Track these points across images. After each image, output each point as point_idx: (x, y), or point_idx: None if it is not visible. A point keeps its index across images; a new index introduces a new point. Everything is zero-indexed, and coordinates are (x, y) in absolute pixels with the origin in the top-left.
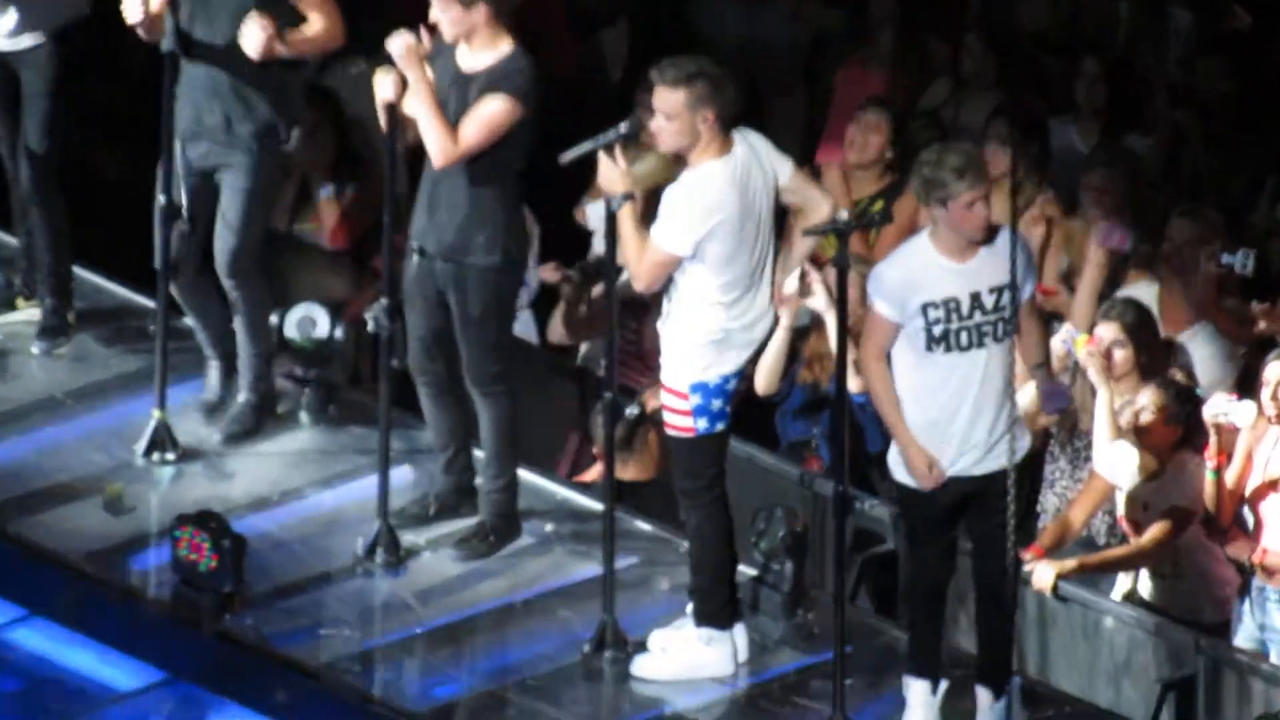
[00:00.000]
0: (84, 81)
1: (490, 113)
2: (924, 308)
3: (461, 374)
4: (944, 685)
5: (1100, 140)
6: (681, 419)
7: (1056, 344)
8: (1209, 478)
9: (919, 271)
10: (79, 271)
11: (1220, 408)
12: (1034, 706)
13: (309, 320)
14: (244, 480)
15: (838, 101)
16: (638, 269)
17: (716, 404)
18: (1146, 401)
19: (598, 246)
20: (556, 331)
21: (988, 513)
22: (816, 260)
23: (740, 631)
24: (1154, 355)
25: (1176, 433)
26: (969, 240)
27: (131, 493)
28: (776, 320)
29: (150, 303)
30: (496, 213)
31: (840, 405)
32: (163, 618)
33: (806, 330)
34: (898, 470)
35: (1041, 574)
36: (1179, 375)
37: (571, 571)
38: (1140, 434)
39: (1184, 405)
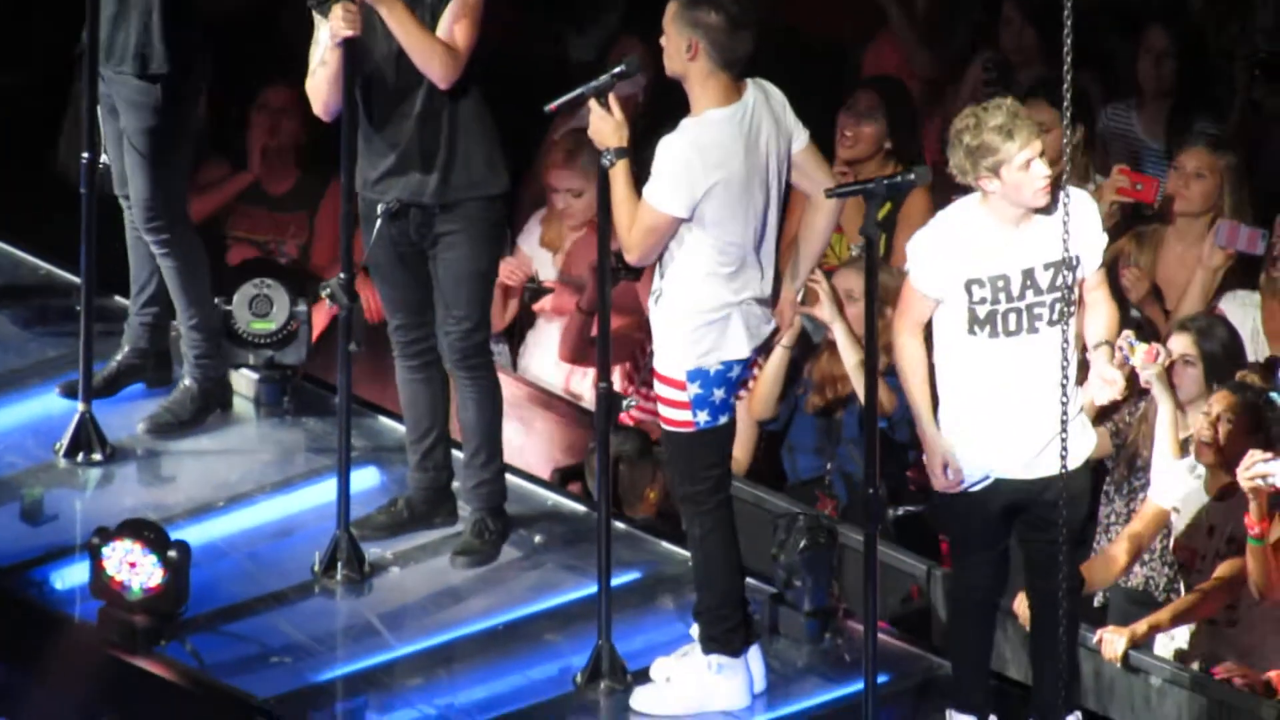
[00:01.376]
0: None
1: (472, 2)
2: (968, 285)
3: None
4: None
5: (1167, 128)
6: (678, 412)
7: (1113, 352)
8: (1250, 544)
9: (965, 241)
10: None
11: (1259, 468)
12: None
13: (263, 298)
14: (183, 484)
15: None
16: (628, 237)
17: (719, 394)
18: (1220, 409)
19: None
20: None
21: (1041, 525)
22: (823, 267)
23: (756, 658)
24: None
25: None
26: (1032, 206)
27: (51, 498)
28: (775, 331)
29: (74, 278)
30: (487, 133)
31: (871, 396)
32: (88, 645)
33: (814, 349)
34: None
35: (1111, 644)
36: (1253, 378)
37: (562, 589)
38: (1211, 448)
39: (1261, 411)
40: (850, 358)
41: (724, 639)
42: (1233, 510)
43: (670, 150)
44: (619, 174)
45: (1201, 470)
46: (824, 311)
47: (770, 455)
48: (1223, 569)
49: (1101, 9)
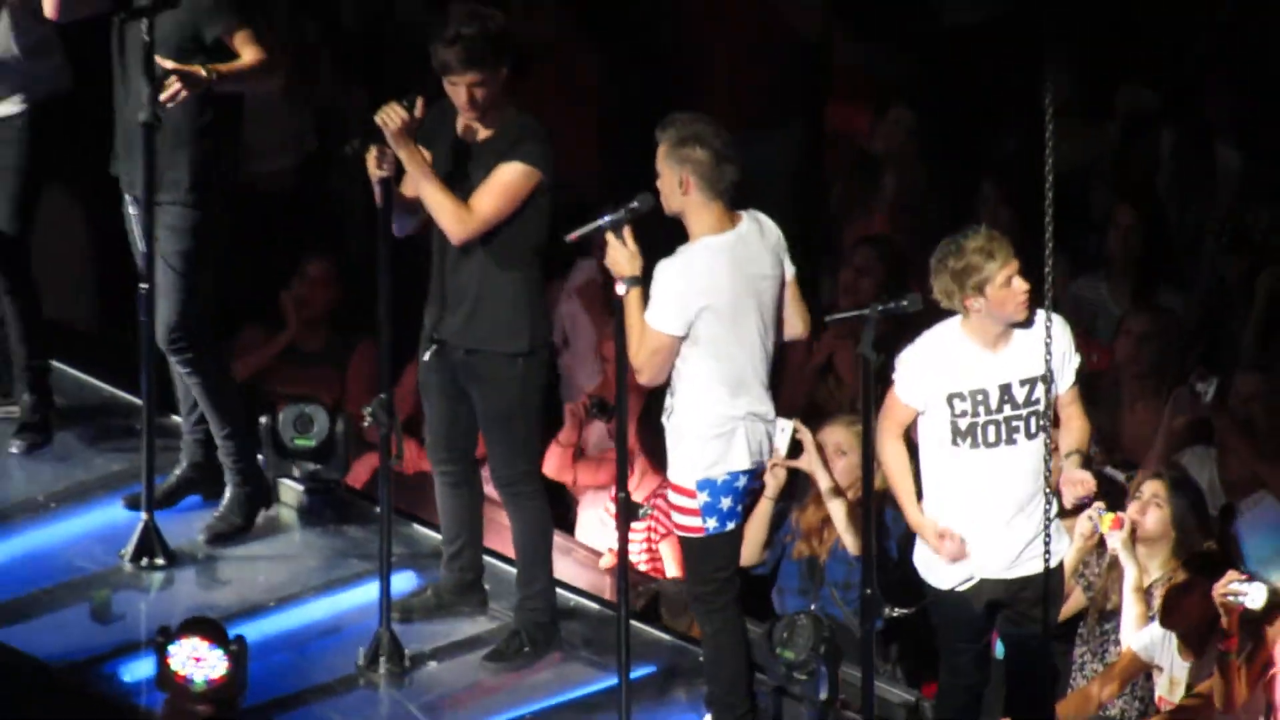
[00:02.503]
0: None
1: (507, 180)
2: (950, 399)
3: (477, 465)
4: None
5: (1133, 297)
6: (690, 519)
7: (1083, 521)
8: (1219, 657)
9: (946, 358)
10: (58, 366)
11: (1231, 587)
12: None
13: (305, 418)
14: (237, 586)
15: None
16: (638, 359)
17: (726, 502)
18: (1180, 578)
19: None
20: (552, 467)
21: (1020, 619)
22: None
23: None
24: (1199, 534)
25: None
26: (1013, 320)
27: (118, 599)
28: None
29: (135, 399)
30: (518, 297)
31: (867, 503)
32: None
33: (801, 500)
34: (926, 572)
35: None
36: (1213, 546)
37: (584, 681)
38: (1171, 611)
39: (1215, 578)
40: (835, 508)
41: None
42: (1203, 669)
43: (665, 275)
44: (633, 301)
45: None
46: (809, 460)
47: (761, 596)
48: (1199, 688)
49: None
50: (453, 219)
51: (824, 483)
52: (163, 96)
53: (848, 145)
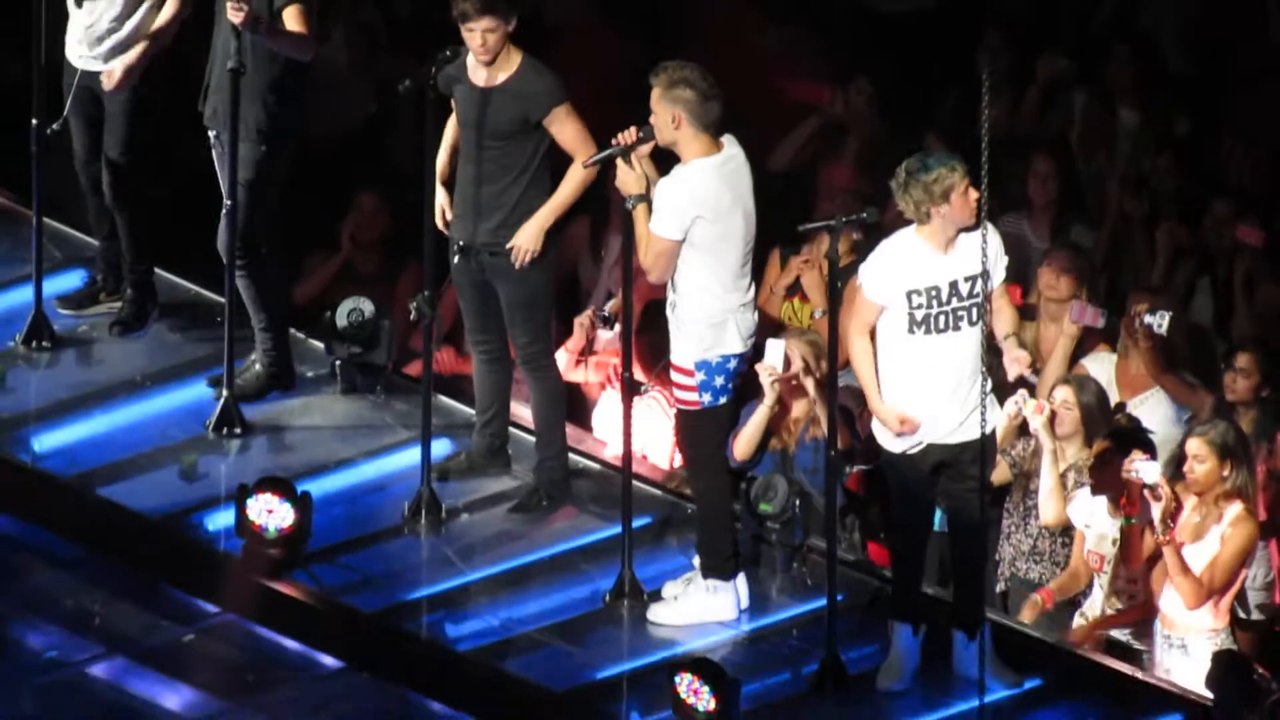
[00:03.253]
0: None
1: (575, 124)
2: (908, 294)
3: (507, 345)
4: (924, 629)
5: (1051, 233)
6: (688, 394)
7: (1010, 405)
8: (1120, 522)
9: (905, 261)
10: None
11: (1134, 465)
12: (1003, 646)
13: (357, 310)
14: (302, 451)
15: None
16: (646, 261)
17: (719, 380)
18: (1098, 452)
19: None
20: (561, 367)
21: (959, 477)
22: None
23: (742, 581)
24: (1102, 424)
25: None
26: (967, 224)
27: (203, 462)
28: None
29: (218, 297)
30: (533, 205)
31: (832, 376)
32: (237, 572)
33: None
34: (882, 437)
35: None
36: (1123, 419)
37: (592, 530)
38: (1098, 478)
39: (1136, 445)
40: (810, 405)
41: (719, 567)
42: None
43: (665, 190)
44: (640, 215)
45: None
46: (797, 372)
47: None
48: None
49: (1000, 139)
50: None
51: (810, 387)
52: (229, 11)
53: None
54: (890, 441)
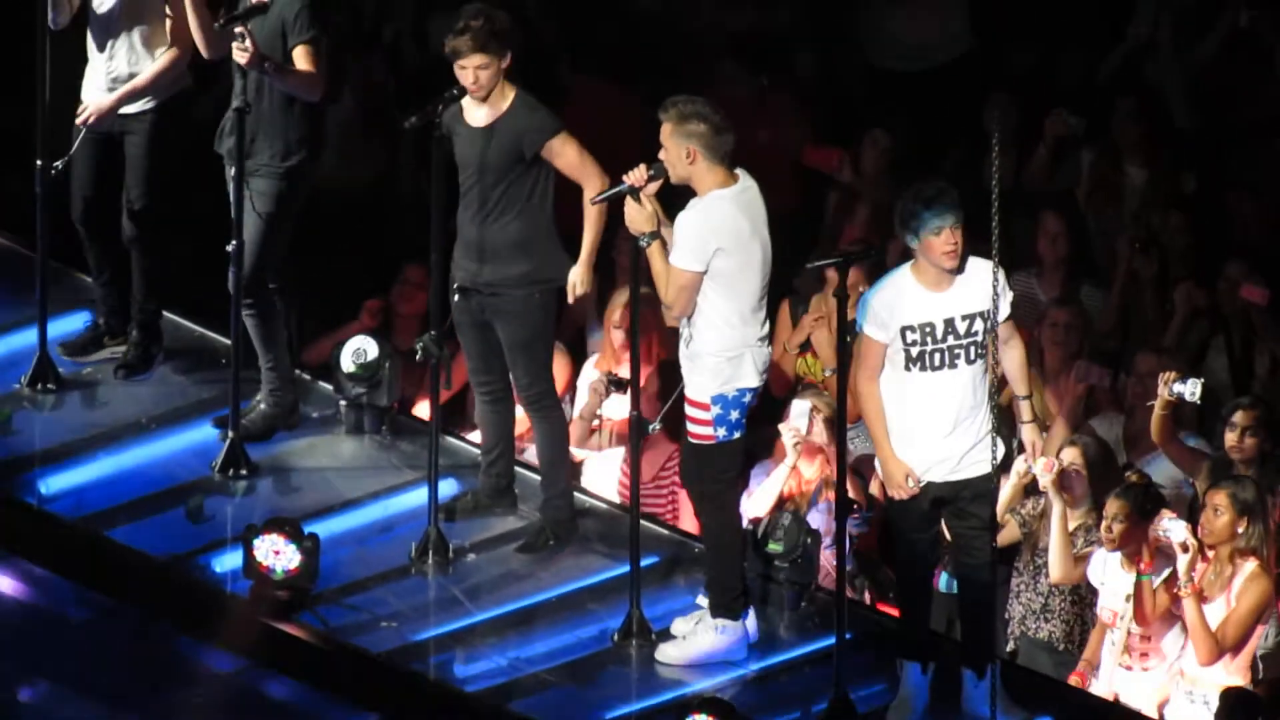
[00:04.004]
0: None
1: (575, 150)
2: (902, 331)
3: (510, 385)
4: (933, 667)
5: (1060, 290)
6: (704, 428)
7: (1019, 462)
8: (1139, 579)
9: (898, 297)
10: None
11: (1164, 524)
12: (1013, 685)
13: (361, 350)
14: (309, 492)
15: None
16: (667, 296)
17: (734, 414)
18: (1114, 511)
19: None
20: (575, 438)
21: (963, 515)
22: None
23: (751, 619)
24: (1109, 484)
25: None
26: (941, 268)
27: (210, 503)
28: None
29: (223, 338)
30: (533, 245)
31: (841, 421)
32: (243, 613)
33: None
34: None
35: None
36: (1134, 476)
37: (599, 570)
38: (1113, 543)
39: (1149, 501)
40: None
41: (729, 605)
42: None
43: (685, 222)
44: (655, 252)
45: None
46: (819, 434)
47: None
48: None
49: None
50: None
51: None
52: (235, 44)
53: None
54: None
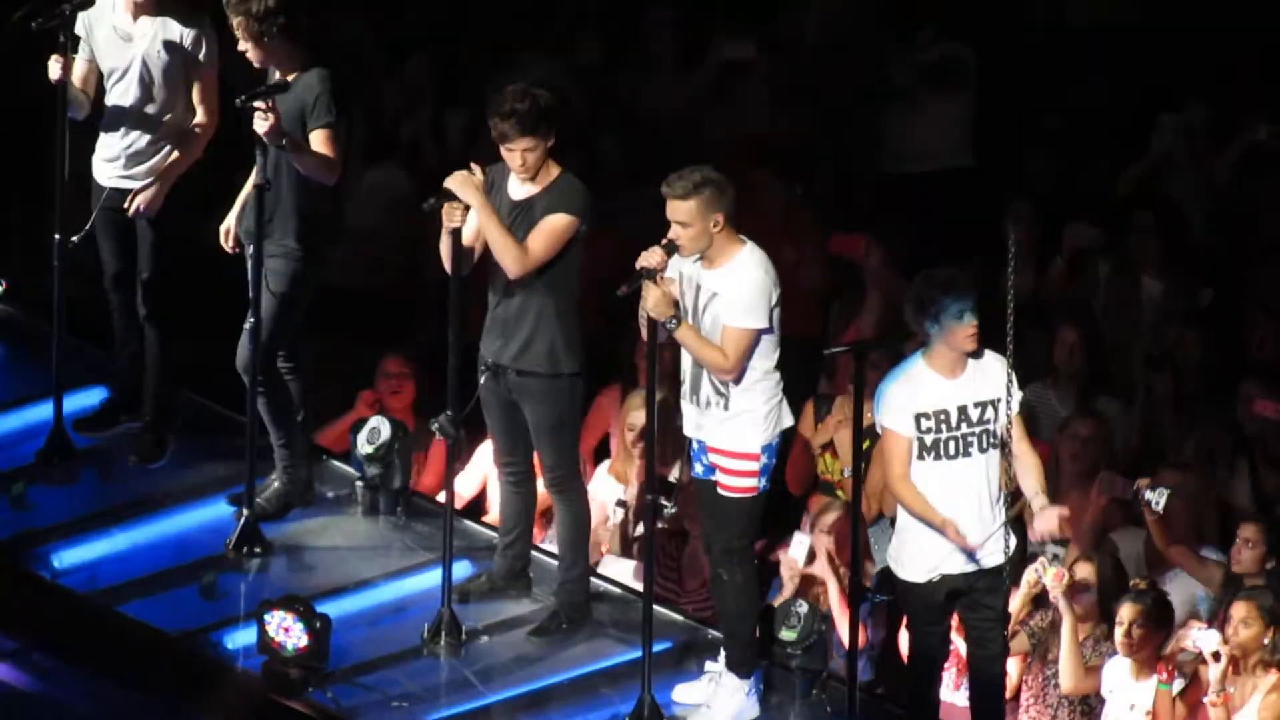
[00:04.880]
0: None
1: (554, 226)
2: (917, 418)
3: (533, 467)
4: None
5: (1076, 403)
6: (746, 480)
7: (1030, 572)
8: (1159, 689)
9: (914, 385)
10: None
11: (1193, 634)
12: None
13: (376, 430)
14: (322, 571)
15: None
16: (725, 363)
17: (773, 462)
18: (1130, 615)
19: None
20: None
21: (976, 605)
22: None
23: (759, 676)
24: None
25: (1160, 638)
26: (961, 352)
27: (223, 580)
28: None
29: (240, 416)
30: (564, 327)
31: (856, 511)
32: (254, 690)
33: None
34: (898, 568)
35: None
36: (1142, 584)
37: (612, 654)
38: (1128, 647)
39: (1162, 609)
40: (832, 590)
41: (750, 661)
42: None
43: (754, 279)
44: (685, 333)
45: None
46: (820, 568)
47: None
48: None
49: (1025, 307)
50: (513, 259)
51: (831, 585)
52: (255, 119)
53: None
54: (907, 571)
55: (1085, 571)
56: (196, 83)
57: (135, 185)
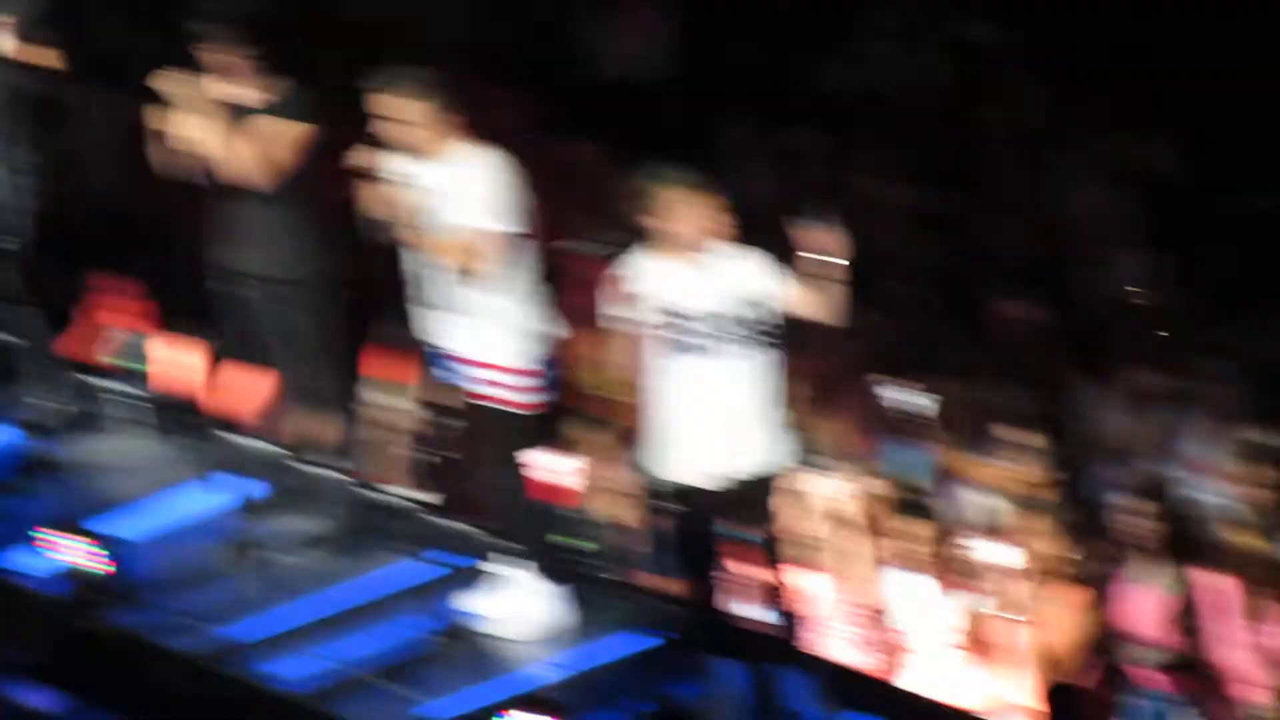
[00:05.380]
0: None
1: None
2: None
3: None
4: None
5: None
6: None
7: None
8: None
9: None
10: None
11: (985, 548)
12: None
13: (131, 344)
14: (110, 490)
15: None
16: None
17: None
18: (912, 529)
19: None
20: None
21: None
22: None
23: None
24: None
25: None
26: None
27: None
28: None
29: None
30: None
31: None
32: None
33: None
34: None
35: None
36: (921, 496)
37: (418, 570)
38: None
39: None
40: None
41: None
42: None
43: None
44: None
45: None
46: None
47: None
48: None
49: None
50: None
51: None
52: None
53: None
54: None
55: (865, 485)
56: None
57: None
